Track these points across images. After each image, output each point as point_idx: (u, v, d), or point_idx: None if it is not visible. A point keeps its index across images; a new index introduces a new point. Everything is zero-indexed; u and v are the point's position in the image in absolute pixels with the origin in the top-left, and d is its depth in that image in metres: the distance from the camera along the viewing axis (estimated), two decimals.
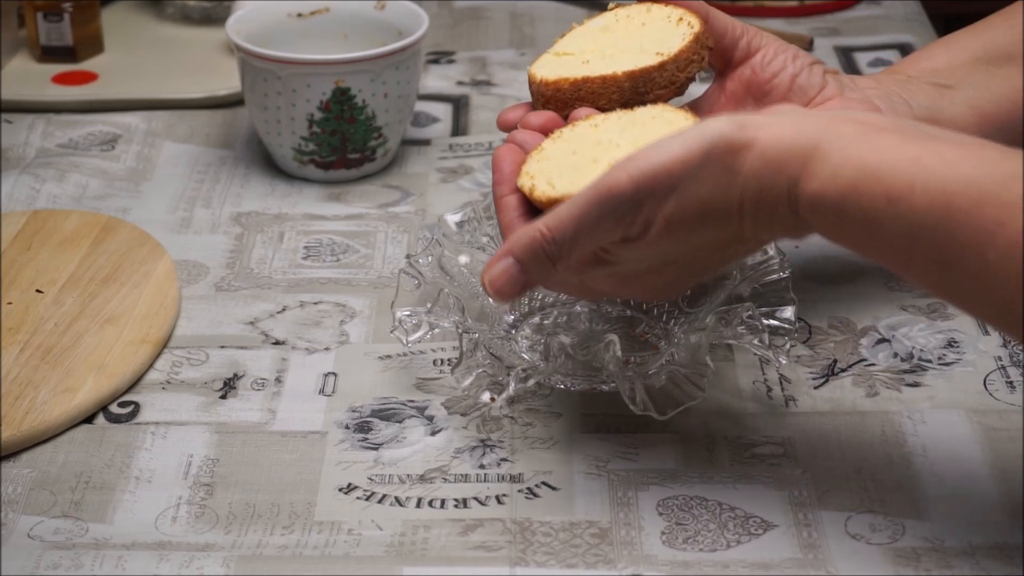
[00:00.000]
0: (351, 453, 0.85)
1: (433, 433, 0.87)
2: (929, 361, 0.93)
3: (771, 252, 0.90)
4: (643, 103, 0.85)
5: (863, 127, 0.72)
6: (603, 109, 0.86)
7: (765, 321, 0.86)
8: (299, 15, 1.17)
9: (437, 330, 0.88)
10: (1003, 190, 0.67)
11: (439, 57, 1.33)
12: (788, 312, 0.88)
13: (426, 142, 1.19)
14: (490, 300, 0.93)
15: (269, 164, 1.15)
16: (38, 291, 0.98)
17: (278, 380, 0.92)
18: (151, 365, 0.93)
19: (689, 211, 0.73)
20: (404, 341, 0.88)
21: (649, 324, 0.95)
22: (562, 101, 0.87)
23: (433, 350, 0.94)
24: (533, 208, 0.81)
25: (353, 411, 0.89)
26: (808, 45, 1.32)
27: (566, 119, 0.86)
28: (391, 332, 0.89)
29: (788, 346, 0.87)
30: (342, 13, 1.17)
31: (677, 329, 0.93)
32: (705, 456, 0.85)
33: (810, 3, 1.42)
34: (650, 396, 0.83)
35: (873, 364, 0.92)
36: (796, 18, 1.40)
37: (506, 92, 1.27)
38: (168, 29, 1.35)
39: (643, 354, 0.91)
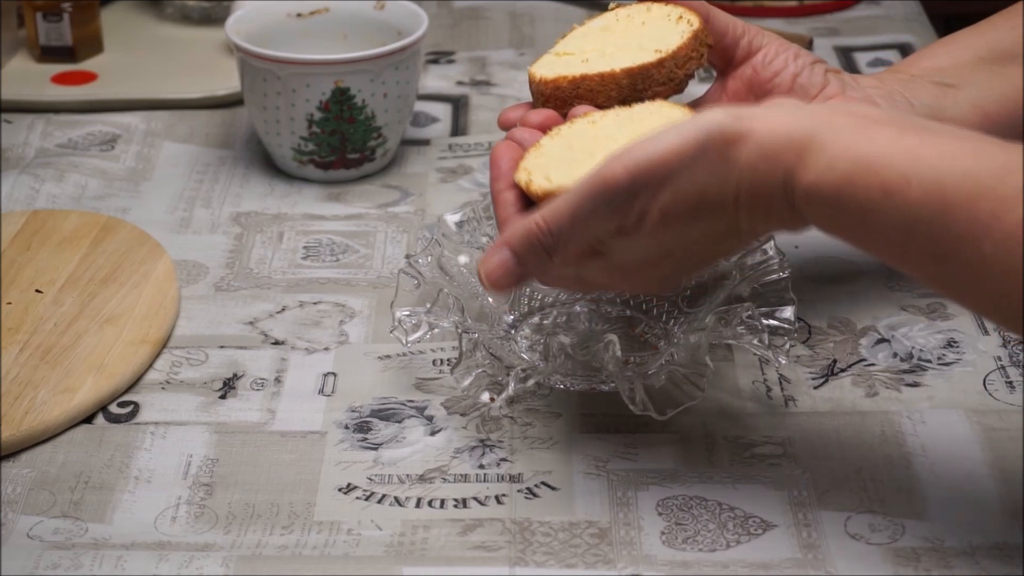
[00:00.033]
0: (351, 453, 0.85)
1: (433, 433, 0.87)
2: (929, 361, 0.93)
3: (771, 252, 0.90)
4: (642, 100, 0.85)
5: (859, 119, 0.72)
6: (602, 107, 0.86)
7: (765, 321, 0.86)
8: (298, 15, 1.17)
9: (436, 330, 0.88)
10: (999, 183, 0.67)
11: (439, 57, 1.33)
12: (788, 312, 0.88)
13: (426, 142, 1.19)
14: (490, 300, 0.94)
15: (268, 164, 1.15)
16: (37, 291, 0.98)
17: (277, 380, 0.92)
18: (150, 365, 0.93)
19: (684, 202, 0.73)
20: (403, 341, 0.88)
21: (649, 324, 0.95)
22: (561, 99, 0.87)
23: (433, 350, 0.94)
24: (530, 204, 0.81)
25: (352, 411, 0.89)
26: (808, 45, 1.32)
27: (565, 117, 0.86)
28: (391, 332, 0.89)
29: (788, 346, 0.87)
30: (342, 13, 1.17)
31: (677, 329, 0.93)
32: (705, 456, 0.85)
33: (810, 3, 1.42)
34: (650, 396, 0.83)
35: (873, 364, 0.92)
36: (796, 18, 1.40)
37: (506, 92, 1.27)
38: (168, 29, 1.35)
39: (643, 354, 0.91)
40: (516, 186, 0.81)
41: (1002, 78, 0.91)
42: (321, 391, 0.91)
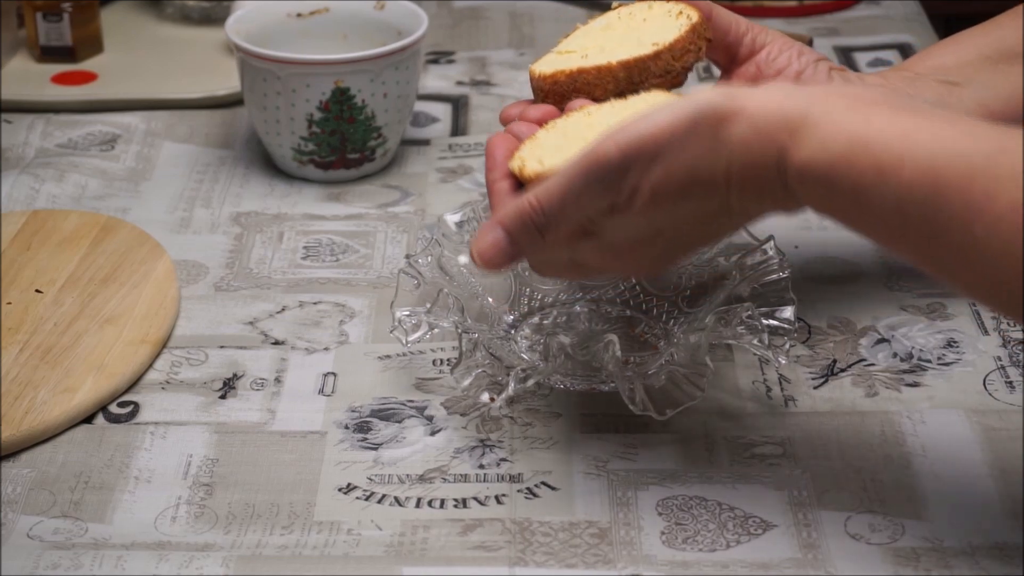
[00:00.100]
0: (350, 453, 0.85)
1: (432, 433, 0.87)
2: (928, 361, 0.93)
3: (771, 252, 0.90)
4: (639, 94, 0.85)
5: (853, 100, 0.72)
6: (599, 100, 0.86)
7: (765, 321, 0.86)
8: (298, 15, 1.17)
9: (436, 330, 0.88)
10: (993, 164, 0.67)
11: (439, 57, 1.33)
12: (788, 312, 0.88)
13: (425, 142, 1.19)
14: (490, 300, 0.94)
15: (268, 164, 1.15)
16: (37, 291, 0.98)
17: (277, 380, 0.92)
18: (150, 365, 0.93)
19: (675, 180, 0.73)
20: (403, 341, 0.88)
21: (649, 324, 0.95)
22: (560, 94, 0.87)
23: (432, 350, 0.94)
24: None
25: (352, 411, 0.89)
26: (808, 45, 1.32)
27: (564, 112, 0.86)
28: (390, 332, 0.89)
29: (788, 346, 0.87)
30: (342, 13, 1.17)
31: (676, 329, 0.93)
32: (705, 456, 0.85)
33: (810, 3, 1.42)
34: (649, 396, 0.83)
35: (873, 364, 0.92)
36: (795, 18, 1.40)
37: (506, 92, 1.27)
38: (167, 29, 1.35)
39: (643, 354, 0.91)
40: (511, 176, 0.81)
41: (1007, 77, 0.91)
42: (321, 391, 0.91)
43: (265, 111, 1.11)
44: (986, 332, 0.95)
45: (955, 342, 0.94)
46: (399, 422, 0.88)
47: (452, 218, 0.94)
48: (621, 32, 0.89)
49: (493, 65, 1.32)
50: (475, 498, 0.82)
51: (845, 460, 0.84)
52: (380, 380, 0.92)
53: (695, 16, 0.87)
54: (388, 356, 0.93)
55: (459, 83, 1.29)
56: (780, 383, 0.91)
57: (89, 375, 0.90)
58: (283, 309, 0.98)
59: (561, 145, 0.81)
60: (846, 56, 1.33)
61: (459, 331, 0.85)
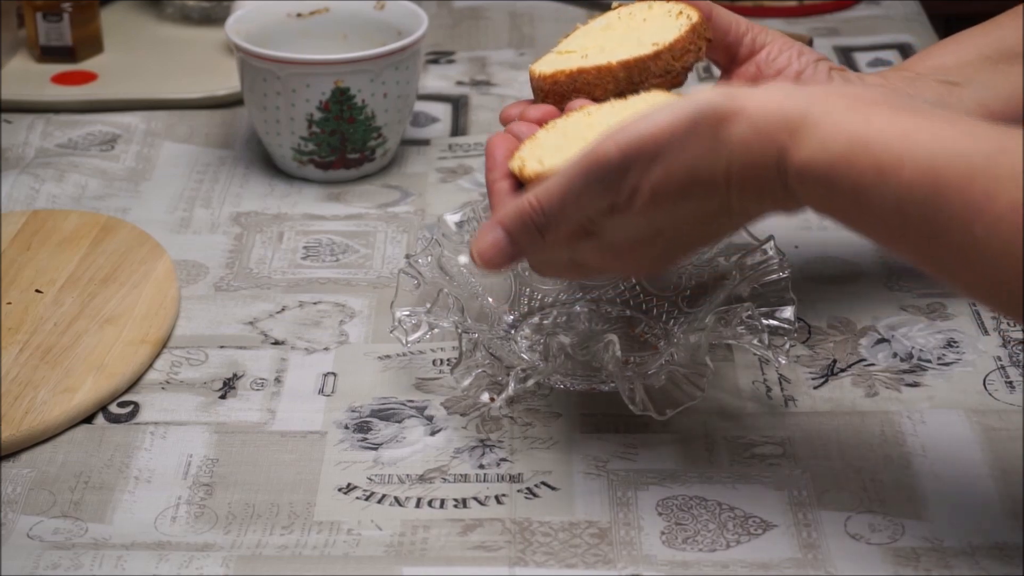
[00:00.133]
0: (350, 453, 0.85)
1: (432, 433, 0.87)
2: (928, 361, 0.93)
3: (771, 252, 0.90)
4: (639, 93, 0.85)
5: (853, 100, 0.72)
6: (599, 100, 0.86)
7: (765, 321, 0.86)
8: (298, 15, 1.17)
9: (436, 330, 0.88)
10: (993, 164, 0.67)
11: (439, 57, 1.33)
12: (788, 312, 0.88)
13: (425, 142, 1.19)
14: (490, 300, 0.94)
15: (268, 164, 1.15)
16: (37, 291, 0.98)
17: (277, 380, 0.92)
18: (150, 365, 0.93)
19: (675, 179, 0.73)
20: (403, 341, 0.88)
21: (649, 324, 0.95)
22: (560, 94, 0.87)
23: (432, 350, 0.94)
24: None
25: (352, 411, 0.89)
26: (808, 45, 1.32)
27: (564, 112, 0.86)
28: (390, 332, 0.89)
29: (788, 346, 0.87)
30: (342, 13, 1.17)
31: (677, 329, 0.93)
32: (705, 456, 0.85)
33: (809, 3, 1.42)
34: (649, 396, 0.83)
35: (873, 364, 0.92)
36: (795, 18, 1.40)
37: (506, 92, 1.27)
38: (167, 29, 1.35)
39: (643, 354, 0.91)
40: (511, 176, 0.81)
41: (1007, 77, 0.91)
42: (321, 391, 0.91)
43: (265, 111, 1.11)
44: (986, 332, 0.95)
45: (955, 342, 0.94)
46: (399, 422, 0.88)
47: (452, 218, 0.94)
48: (621, 32, 0.89)
49: (493, 65, 1.32)
50: (475, 498, 0.82)
51: (845, 460, 0.84)
52: (380, 380, 0.92)
53: (695, 16, 0.87)
54: (388, 356, 0.93)
55: (459, 83, 1.29)
56: (780, 383, 0.91)
57: (89, 375, 0.90)
58: (283, 309, 0.98)
59: (561, 145, 0.81)
60: (846, 56, 1.33)
61: (459, 331, 0.85)
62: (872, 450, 0.85)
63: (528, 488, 0.83)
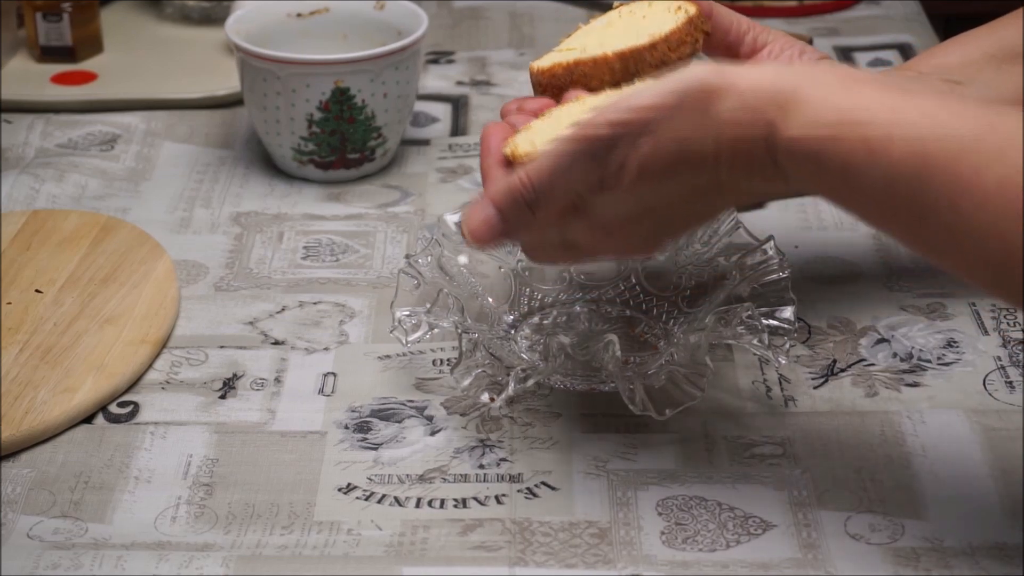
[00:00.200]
0: (350, 453, 0.85)
1: (432, 433, 0.87)
2: (928, 361, 0.93)
3: (771, 252, 0.90)
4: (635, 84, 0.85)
5: (843, 77, 0.72)
6: (595, 91, 0.86)
7: (764, 321, 0.86)
8: (298, 15, 1.17)
9: (436, 330, 0.88)
10: (981, 141, 0.67)
11: (439, 57, 1.33)
12: (787, 312, 0.88)
13: (425, 142, 1.19)
14: (490, 300, 0.94)
15: (268, 164, 1.15)
16: (37, 291, 0.98)
17: (277, 380, 0.92)
18: (150, 365, 0.93)
19: (663, 154, 0.73)
20: (403, 341, 0.88)
21: (649, 324, 0.95)
22: (558, 88, 0.87)
23: (432, 350, 0.94)
24: None
25: (352, 411, 0.89)
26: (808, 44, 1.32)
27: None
28: (390, 332, 0.89)
29: (787, 346, 0.87)
30: (342, 13, 1.17)
31: (676, 329, 0.93)
32: (704, 456, 0.85)
33: (809, 3, 1.42)
34: (650, 396, 0.83)
35: (872, 364, 0.92)
36: (795, 18, 1.40)
37: (506, 92, 1.27)
38: (167, 29, 1.35)
39: (642, 354, 0.91)
40: (505, 162, 0.81)
41: (1011, 76, 0.91)
42: (321, 391, 0.91)
43: (265, 111, 1.11)
44: (986, 332, 0.95)
45: (955, 342, 0.94)
46: (399, 422, 0.88)
47: (452, 218, 0.94)
48: (621, 29, 0.89)
49: (493, 65, 1.32)
50: (475, 498, 0.82)
51: (845, 460, 0.84)
52: (380, 380, 0.92)
53: (692, 10, 0.87)
54: (388, 356, 0.93)
55: (459, 83, 1.29)
56: (780, 383, 0.91)
57: (89, 375, 0.90)
58: (283, 309, 0.98)
59: (554, 132, 0.81)
60: (846, 56, 1.33)
61: (459, 331, 0.85)
62: (872, 450, 0.85)
63: (528, 488, 0.83)
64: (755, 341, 0.84)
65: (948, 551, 0.78)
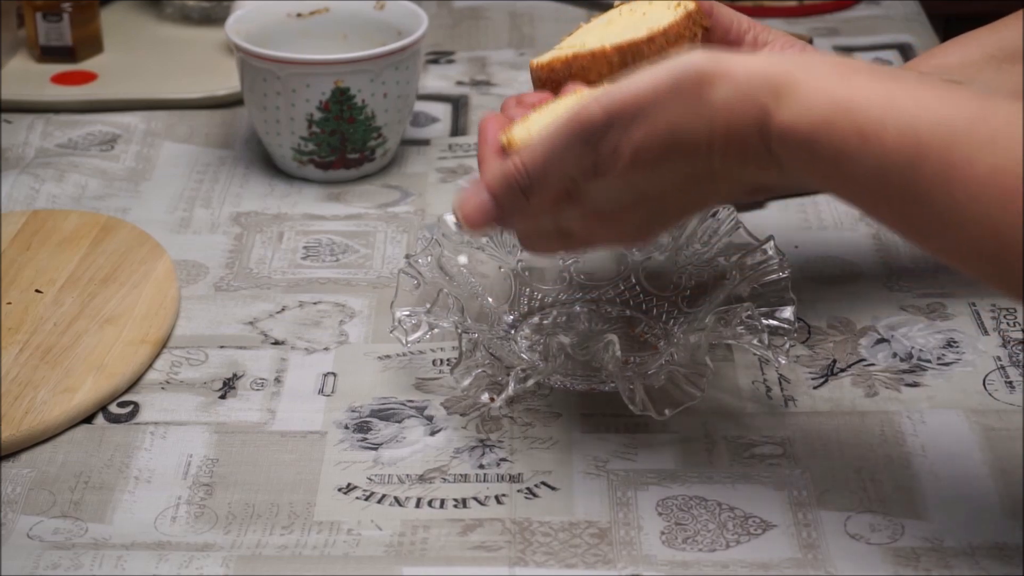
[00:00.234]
0: (350, 453, 0.85)
1: (432, 433, 0.87)
2: (928, 361, 0.93)
3: (771, 252, 0.90)
4: None
5: (837, 65, 0.72)
6: (593, 84, 0.86)
7: (764, 321, 0.86)
8: (298, 15, 1.17)
9: (436, 330, 0.88)
10: (974, 129, 0.67)
11: (439, 57, 1.33)
12: (787, 312, 0.88)
13: (425, 142, 1.19)
14: (490, 300, 0.94)
15: (268, 164, 1.15)
16: (37, 291, 0.98)
17: (277, 380, 0.92)
18: (150, 365, 0.93)
19: (657, 139, 0.73)
20: (403, 341, 0.88)
21: (649, 324, 0.95)
22: (557, 82, 0.87)
23: (432, 350, 0.94)
24: None
25: (352, 411, 0.89)
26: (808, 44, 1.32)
27: None
28: (390, 332, 0.89)
29: (787, 346, 0.87)
30: (342, 13, 1.17)
31: (676, 329, 0.93)
32: (704, 456, 0.85)
33: (809, 3, 1.42)
34: (650, 396, 0.83)
35: (872, 364, 0.92)
36: (796, 18, 1.40)
37: (506, 92, 1.27)
38: (167, 29, 1.35)
39: (642, 354, 0.91)
40: (501, 151, 0.81)
41: (1011, 76, 0.92)
42: (321, 391, 0.91)
43: (265, 111, 1.11)
44: (986, 332, 0.95)
45: (955, 342, 0.94)
46: (399, 422, 0.88)
47: (452, 218, 0.94)
48: (621, 26, 0.89)
49: (493, 65, 1.32)
50: (475, 498, 0.82)
51: (845, 460, 0.84)
52: (380, 380, 0.92)
53: (692, 5, 0.88)
54: (388, 356, 0.93)
55: (459, 83, 1.29)
56: (780, 383, 0.91)
57: (89, 375, 0.90)
58: (283, 309, 0.98)
59: (549, 120, 0.81)
60: (846, 56, 1.33)
61: (459, 331, 0.85)
62: (872, 450, 0.85)
63: (528, 488, 0.83)
64: (755, 341, 0.84)
65: (948, 551, 0.78)
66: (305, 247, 1.05)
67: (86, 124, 1.21)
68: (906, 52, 1.33)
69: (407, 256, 0.92)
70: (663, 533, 0.79)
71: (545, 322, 0.96)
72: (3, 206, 1.09)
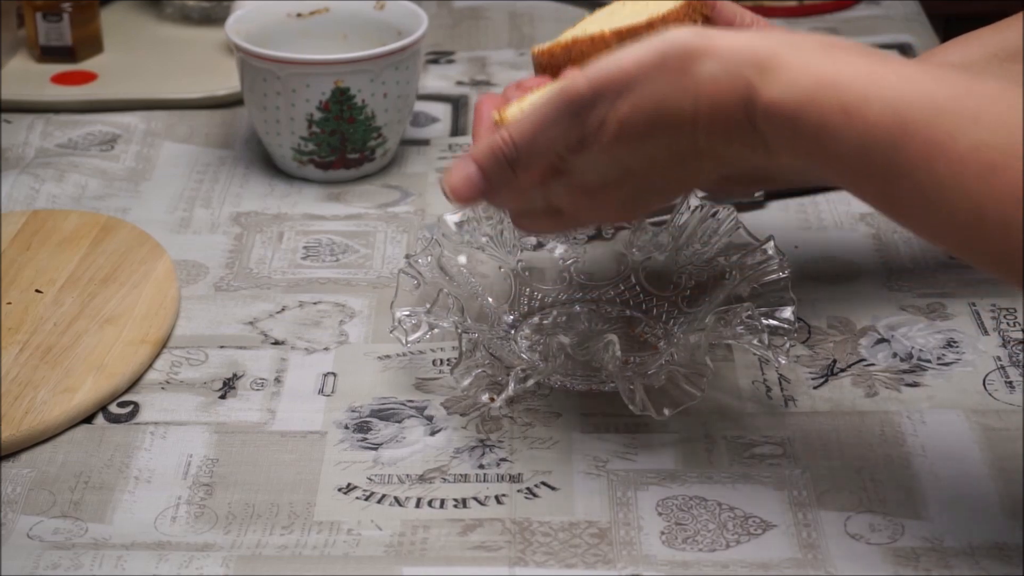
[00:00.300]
0: (350, 453, 0.85)
1: (432, 433, 0.87)
2: (928, 361, 0.93)
3: (771, 252, 0.90)
4: None
5: (823, 42, 0.73)
6: None
7: (764, 321, 0.86)
8: (298, 15, 1.17)
9: (436, 330, 0.88)
10: (958, 104, 0.67)
11: (438, 57, 1.33)
12: (787, 312, 0.88)
13: (425, 142, 1.19)
14: (490, 300, 0.94)
15: (268, 164, 1.15)
16: (37, 291, 0.98)
17: (277, 380, 0.92)
18: (150, 365, 0.93)
19: (642, 114, 0.73)
20: (403, 341, 0.88)
21: (649, 324, 0.95)
22: (556, 67, 0.88)
23: (432, 350, 0.94)
24: None
25: (352, 411, 0.89)
26: None
27: None
28: (390, 332, 0.89)
29: (787, 346, 0.87)
30: (342, 13, 1.17)
31: (676, 329, 0.93)
32: (704, 456, 0.85)
33: (810, 3, 1.42)
34: (649, 396, 0.83)
35: (872, 364, 0.92)
36: (796, 18, 1.40)
37: None
38: (167, 29, 1.35)
39: (642, 354, 0.91)
40: (494, 129, 0.81)
41: (1012, 75, 0.92)
42: (321, 391, 0.91)
43: (265, 111, 1.11)
44: (986, 332, 0.95)
45: (955, 342, 0.94)
46: (399, 422, 0.88)
47: (452, 218, 0.94)
48: (623, 15, 0.89)
49: (493, 65, 1.32)
50: (475, 498, 0.82)
51: (845, 460, 0.84)
52: (380, 380, 0.92)
53: None
54: (388, 356, 0.93)
55: (459, 83, 1.29)
56: (780, 383, 0.91)
57: (89, 375, 0.90)
58: (283, 309, 0.98)
59: (538, 96, 0.81)
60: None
61: (459, 331, 0.85)
62: (872, 450, 0.85)
63: (528, 488, 0.83)
64: (755, 341, 0.84)
65: (948, 551, 0.78)
66: (305, 247, 1.05)
67: (86, 124, 1.21)
68: (906, 52, 1.33)
69: (407, 256, 0.92)
70: (663, 533, 0.79)
71: (545, 322, 0.96)
72: (3, 206, 1.09)
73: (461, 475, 0.84)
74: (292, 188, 1.13)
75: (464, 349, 0.84)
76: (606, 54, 0.85)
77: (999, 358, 0.93)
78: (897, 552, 0.78)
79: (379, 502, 0.82)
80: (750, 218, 1.04)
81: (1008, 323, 0.96)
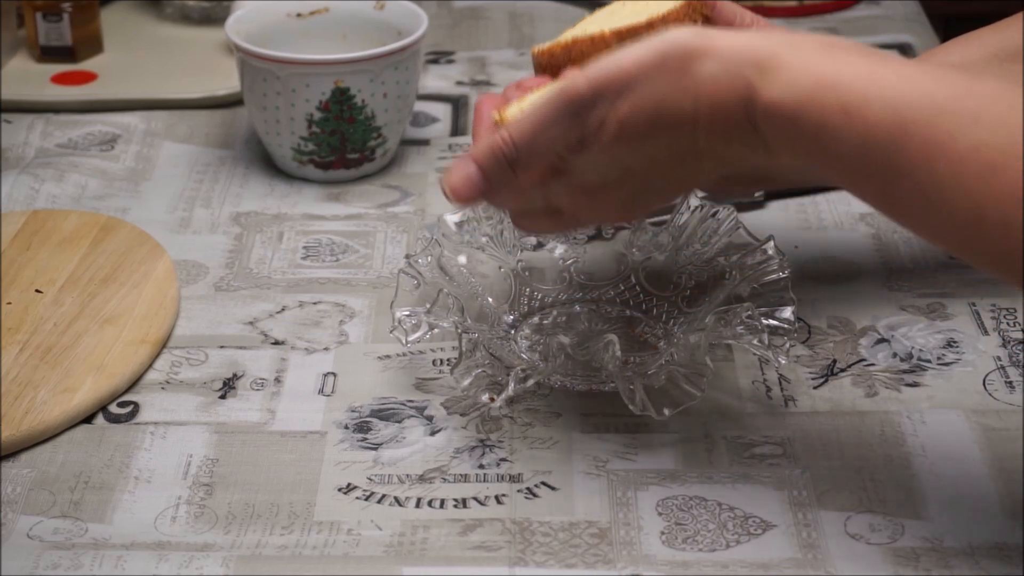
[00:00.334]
0: (350, 453, 0.85)
1: (432, 433, 0.87)
2: (928, 361, 0.93)
3: (771, 252, 0.90)
4: None
5: (823, 43, 0.73)
6: None
7: (764, 321, 0.86)
8: (298, 15, 1.17)
9: (436, 330, 0.88)
10: (957, 104, 0.68)
11: (438, 57, 1.33)
12: (787, 312, 0.88)
13: (425, 142, 1.19)
14: (490, 300, 0.94)
15: (268, 164, 1.15)
16: (37, 291, 0.98)
17: (277, 380, 0.92)
18: (150, 365, 0.93)
19: (642, 114, 0.73)
20: (403, 341, 0.88)
21: (649, 324, 0.95)
22: (556, 67, 0.88)
23: (432, 350, 0.94)
24: None
25: (352, 411, 0.89)
26: None
27: None
28: (390, 332, 0.89)
29: (787, 346, 0.87)
30: (341, 13, 1.17)
31: (676, 329, 0.93)
32: (704, 456, 0.85)
33: (810, 3, 1.42)
34: (649, 396, 0.83)
35: (872, 364, 0.92)
36: (796, 18, 1.40)
37: None
38: (167, 29, 1.35)
39: (642, 354, 0.91)
40: (494, 129, 0.82)
41: (1013, 75, 0.92)
42: (321, 391, 0.91)
43: (265, 111, 1.11)
44: (986, 332, 0.95)
45: (955, 342, 0.94)
46: (399, 422, 0.88)
47: (452, 218, 0.94)
48: (623, 16, 0.89)
49: (493, 65, 1.32)
50: (475, 498, 0.82)
51: (845, 460, 0.84)
52: (380, 380, 0.92)
53: None
54: (388, 356, 0.93)
55: (459, 83, 1.29)
56: (780, 383, 0.91)
57: (89, 375, 0.90)
58: (283, 309, 0.98)
59: (538, 96, 0.81)
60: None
61: (459, 331, 0.85)
62: (872, 450, 0.85)
63: (528, 488, 0.83)
64: (755, 341, 0.84)
65: (948, 551, 0.78)
66: (305, 247, 1.05)
67: (86, 124, 1.21)
68: (906, 52, 1.33)
69: (407, 256, 0.92)
70: (663, 533, 0.79)
71: (545, 322, 0.96)
72: (3, 206, 1.09)
73: (461, 475, 0.84)
74: (292, 188, 1.13)
75: (464, 349, 0.84)
76: (606, 54, 0.85)
77: (999, 358, 0.93)
78: (897, 552, 0.78)
79: (379, 502, 0.82)
80: (750, 218, 1.04)
81: (1008, 323, 0.96)
